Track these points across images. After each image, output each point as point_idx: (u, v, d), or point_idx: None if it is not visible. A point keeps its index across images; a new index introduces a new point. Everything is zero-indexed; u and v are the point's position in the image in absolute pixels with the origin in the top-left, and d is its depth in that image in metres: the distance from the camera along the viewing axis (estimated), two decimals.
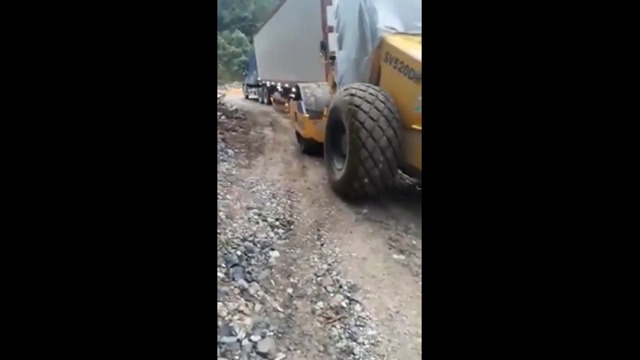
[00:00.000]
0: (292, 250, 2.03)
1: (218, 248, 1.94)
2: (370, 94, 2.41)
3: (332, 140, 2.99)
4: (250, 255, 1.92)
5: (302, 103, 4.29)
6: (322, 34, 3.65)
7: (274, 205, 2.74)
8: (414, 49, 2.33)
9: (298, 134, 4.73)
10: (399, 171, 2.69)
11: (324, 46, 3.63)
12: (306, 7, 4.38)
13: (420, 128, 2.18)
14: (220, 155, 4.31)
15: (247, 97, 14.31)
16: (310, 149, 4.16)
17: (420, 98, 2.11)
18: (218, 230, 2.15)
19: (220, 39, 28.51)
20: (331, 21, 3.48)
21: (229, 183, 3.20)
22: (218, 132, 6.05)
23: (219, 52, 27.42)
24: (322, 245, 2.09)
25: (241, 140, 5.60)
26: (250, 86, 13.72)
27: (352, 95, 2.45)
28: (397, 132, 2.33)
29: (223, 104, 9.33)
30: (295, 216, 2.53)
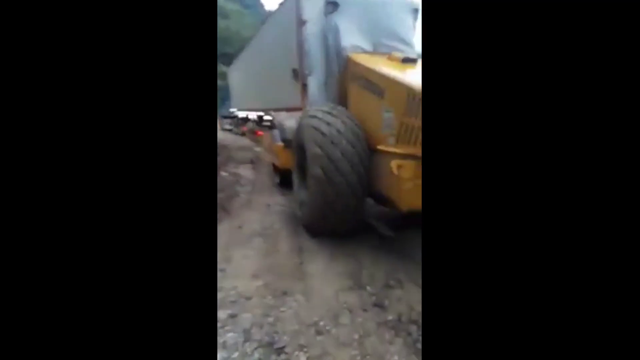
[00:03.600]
0: None
1: None
2: (331, 114, 2.23)
3: (299, 168, 2.69)
4: None
5: (277, 132, 4.06)
6: (297, 59, 3.24)
7: None
8: (380, 65, 2.20)
9: (274, 166, 4.54)
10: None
11: (296, 73, 3.34)
12: (281, 32, 3.96)
13: (387, 149, 2.01)
14: None
15: (222, 128, 14.24)
16: (286, 180, 3.81)
17: (387, 115, 2.00)
18: None
19: None
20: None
21: None
22: None
23: None
24: None
25: None
26: (225, 117, 13.59)
27: (311, 117, 2.29)
28: (362, 155, 2.12)
29: None
30: None
